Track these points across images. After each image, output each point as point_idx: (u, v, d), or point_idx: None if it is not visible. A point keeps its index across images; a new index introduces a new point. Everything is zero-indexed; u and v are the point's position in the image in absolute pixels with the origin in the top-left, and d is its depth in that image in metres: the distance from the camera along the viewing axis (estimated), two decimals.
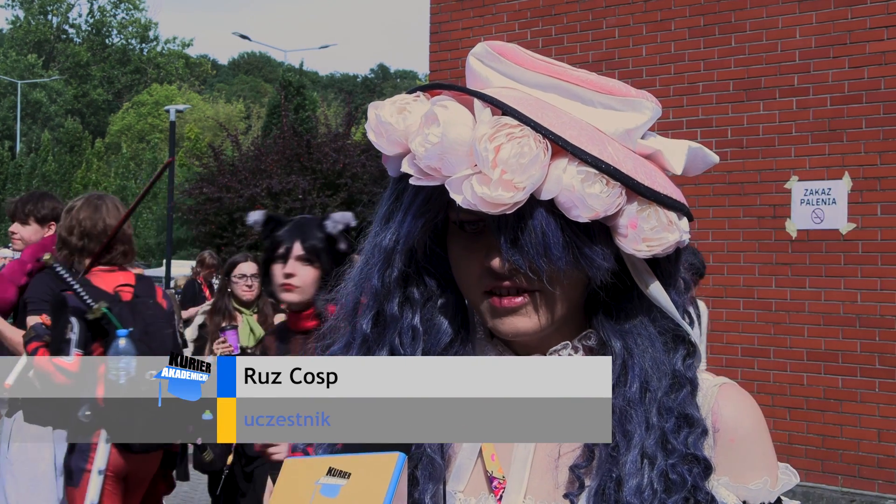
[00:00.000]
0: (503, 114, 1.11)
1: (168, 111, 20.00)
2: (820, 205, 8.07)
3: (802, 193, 8.16)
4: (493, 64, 1.21)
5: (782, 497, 1.22)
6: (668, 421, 1.15)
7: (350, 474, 0.97)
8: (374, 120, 1.17)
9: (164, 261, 18.98)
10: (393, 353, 1.21)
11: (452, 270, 1.22)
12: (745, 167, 8.41)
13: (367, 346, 1.23)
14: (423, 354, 1.21)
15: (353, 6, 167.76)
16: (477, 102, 1.13)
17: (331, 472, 0.98)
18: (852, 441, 7.76)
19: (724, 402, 1.21)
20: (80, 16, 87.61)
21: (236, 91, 70.08)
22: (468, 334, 1.25)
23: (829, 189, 8.03)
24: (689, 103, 8.71)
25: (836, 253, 7.98)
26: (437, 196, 1.16)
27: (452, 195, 1.11)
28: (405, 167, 1.14)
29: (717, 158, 1.23)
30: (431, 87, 1.18)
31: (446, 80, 8.93)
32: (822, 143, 8.07)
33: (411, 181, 1.14)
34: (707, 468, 1.15)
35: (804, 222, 8.13)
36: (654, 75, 8.88)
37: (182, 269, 19.77)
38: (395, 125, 1.15)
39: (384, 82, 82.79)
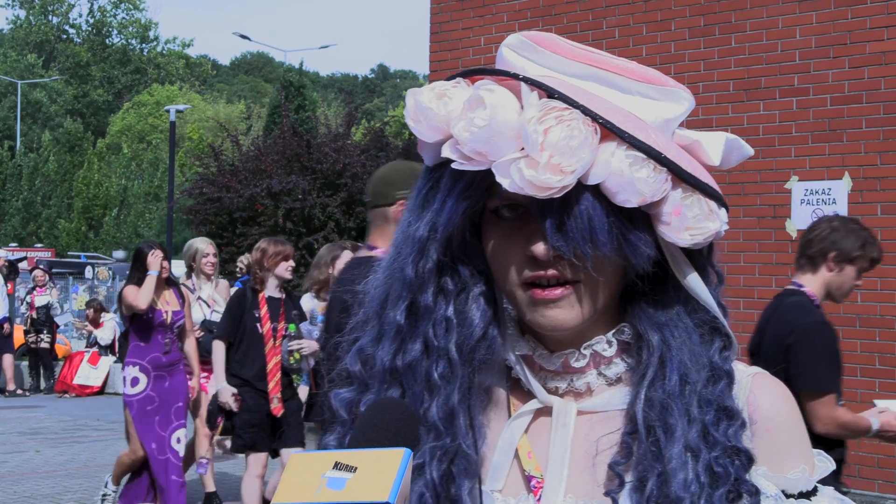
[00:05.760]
0: (549, 97, 1.10)
1: (168, 111, 20.02)
2: (820, 205, 8.07)
3: (802, 193, 8.17)
4: (528, 54, 1.19)
5: (818, 484, 1.22)
6: (708, 413, 1.15)
7: (356, 468, 0.97)
8: (412, 106, 1.15)
9: None
10: (427, 344, 1.19)
11: (489, 261, 1.19)
12: (745, 167, 8.41)
13: (401, 338, 1.20)
14: (456, 346, 1.18)
15: (353, 6, 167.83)
16: (524, 86, 1.11)
17: (337, 466, 0.98)
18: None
19: (759, 392, 1.21)
20: (80, 16, 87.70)
21: (236, 91, 70.04)
22: (499, 329, 1.21)
23: (829, 189, 8.04)
24: None
25: None
26: (479, 181, 1.14)
27: (499, 179, 1.09)
28: (446, 152, 1.13)
29: (751, 151, 1.23)
30: (472, 73, 1.17)
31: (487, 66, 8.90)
32: (822, 143, 8.07)
33: (454, 166, 1.12)
34: (749, 460, 1.14)
35: (804, 222, 8.10)
36: None
37: (183, 269, 19.66)
38: (435, 110, 1.13)
39: (384, 82, 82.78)
